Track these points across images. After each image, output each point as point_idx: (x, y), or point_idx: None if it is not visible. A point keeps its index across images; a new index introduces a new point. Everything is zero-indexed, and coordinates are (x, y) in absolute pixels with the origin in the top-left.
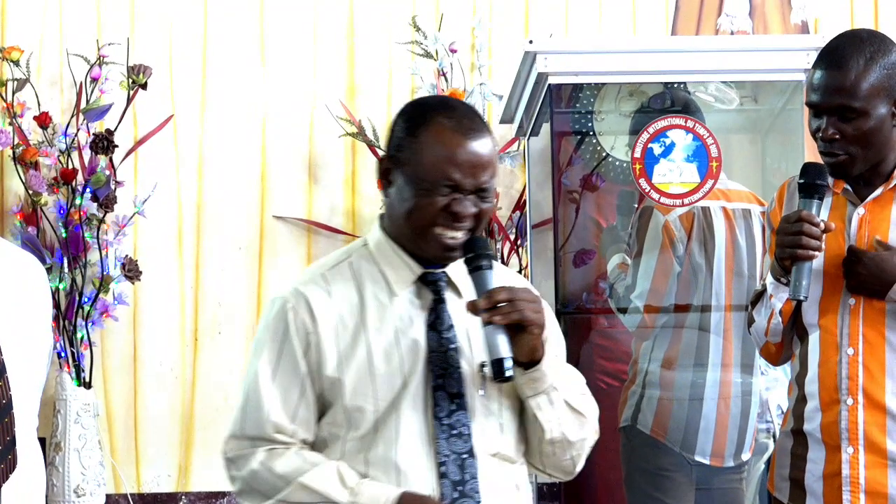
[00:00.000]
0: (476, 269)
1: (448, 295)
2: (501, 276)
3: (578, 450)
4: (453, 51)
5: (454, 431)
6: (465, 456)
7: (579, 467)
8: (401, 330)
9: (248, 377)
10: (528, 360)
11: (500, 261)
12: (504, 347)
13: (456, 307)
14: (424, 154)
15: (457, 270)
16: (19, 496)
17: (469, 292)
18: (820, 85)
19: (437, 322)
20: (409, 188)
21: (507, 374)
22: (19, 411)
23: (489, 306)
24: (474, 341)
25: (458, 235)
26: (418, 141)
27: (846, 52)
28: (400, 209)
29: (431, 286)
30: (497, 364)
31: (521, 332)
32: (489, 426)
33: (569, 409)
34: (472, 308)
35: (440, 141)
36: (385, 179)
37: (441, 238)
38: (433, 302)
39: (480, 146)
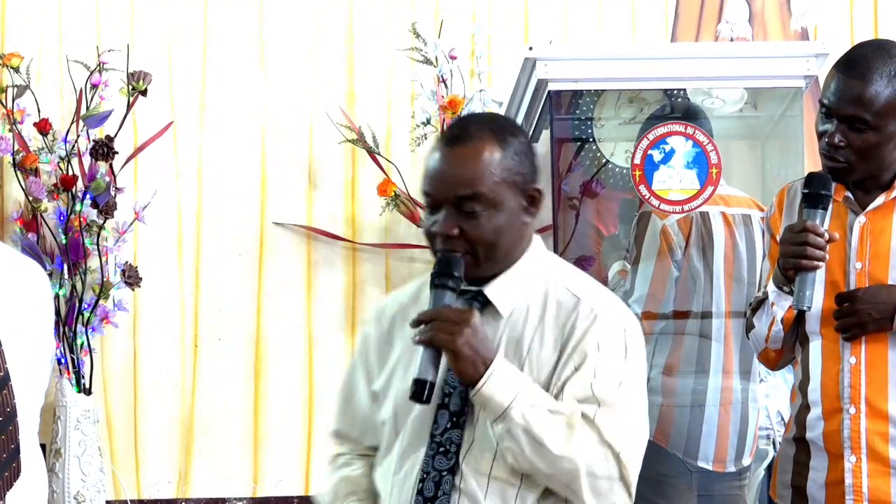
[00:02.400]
0: (437, 286)
1: (484, 313)
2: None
3: (571, 485)
4: (453, 57)
5: (441, 449)
6: (444, 473)
7: (602, 499)
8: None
9: None
10: (465, 383)
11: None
12: (422, 368)
13: (495, 326)
14: None
15: (498, 289)
16: (23, 503)
17: (508, 311)
18: (838, 89)
19: None
20: None
21: (411, 395)
22: (21, 418)
23: (415, 325)
24: (510, 358)
25: (445, 254)
26: None
27: (872, 64)
28: None
29: (473, 303)
30: (412, 384)
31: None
32: (487, 446)
33: (530, 441)
34: (413, 325)
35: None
36: None
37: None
38: None
39: (458, 154)
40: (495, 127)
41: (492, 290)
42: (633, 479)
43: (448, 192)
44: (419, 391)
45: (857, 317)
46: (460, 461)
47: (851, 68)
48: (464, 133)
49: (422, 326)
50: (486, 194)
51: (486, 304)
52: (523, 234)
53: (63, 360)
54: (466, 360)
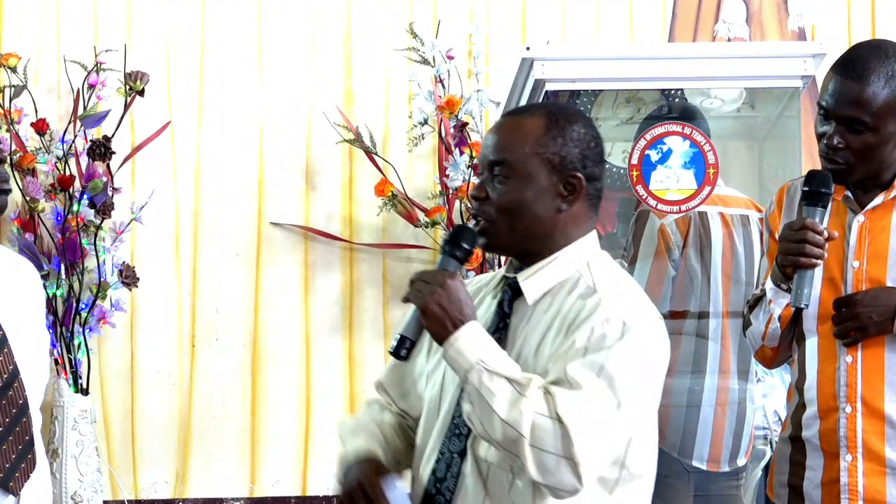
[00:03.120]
0: (445, 252)
1: (518, 300)
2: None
3: (517, 454)
4: (450, 57)
5: (457, 431)
6: (455, 455)
7: (548, 478)
8: None
9: None
10: (436, 341)
11: (495, 266)
12: (406, 325)
13: (520, 314)
14: None
15: (530, 277)
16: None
17: (534, 299)
18: (836, 91)
19: (495, 324)
20: None
21: (391, 349)
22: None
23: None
24: (523, 344)
25: (477, 222)
26: None
27: (869, 65)
28: None
29: (506, 290)
30: (394, 339)
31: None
32: None
33: (481, 404)
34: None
35: None
36: None
37: None
38: (497, 304)
39: (505, 124)
40: (553, 108)
41: (523, 276)
42: (586, 462)
43: (484, 156)
44: (397, 346)
45: (857, 320)
46: (468, 445)
47: (849, 70)
48: (522, 109)
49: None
50: (513, 163)
51: (515, 288)
52: (556, 220)
53: (60, 361)
54: (434, 317)
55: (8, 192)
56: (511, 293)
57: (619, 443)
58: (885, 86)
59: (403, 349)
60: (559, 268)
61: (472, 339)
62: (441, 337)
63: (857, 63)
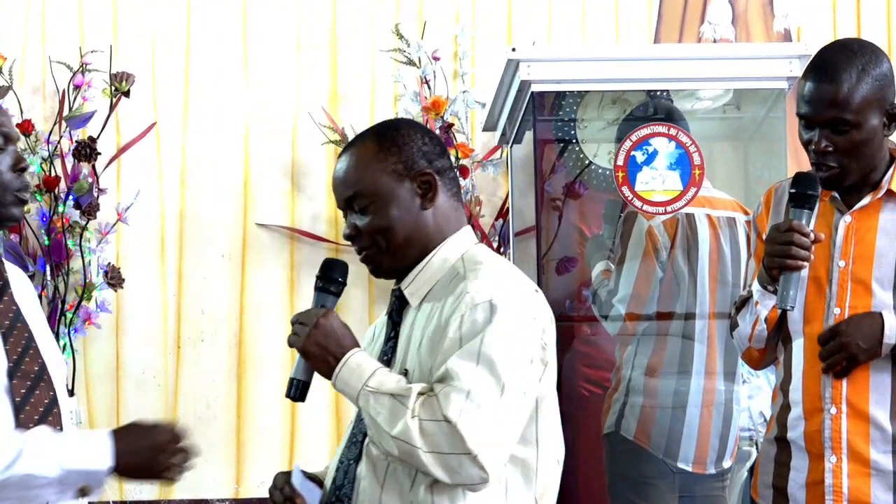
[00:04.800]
0: (318, 289)
1: (406, 308)
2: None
3: (417, 465)
4: (436, 58)
5: (353, 440)
6: (351, 462)
7: (446, 477)
8: (374, 341)
9: None
10: (325, 378)
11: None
12: (295, 367)
13: (408, 319)
14: None
15: (410, 281)
16: None
17: (416, 302)
18: (812, 97)
19: (387, 334)
20: None
21: (286, 392)
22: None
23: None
24: (410, 348)
25: (360, 255)
26: None
27: (838, 64)
28: None
29: (394, 300)
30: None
31: None
32: None
33: (374, 426)
34: None
35: None
36: None
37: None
38: (388, 315)
39: (340, 164)
40: (376, 127)
41: (405, 284)
42: (484, 453)
43: (339, 198)
44: (288, 388)
45: (846, 351)
46: (363, 451)
47: (820, 73)
48: (349, 143)
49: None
50: (364, 191)
51: (400, 298)
52: (426, 220)
53: None
54: (315, 357)
55: (25, 202)
56: (398, 302)
57: (516, 422)
58: (858, 81)
59: (295, 391)
60: (435, 266)
61: (354, 366)
62: (327, 373)
63: (826, 65)
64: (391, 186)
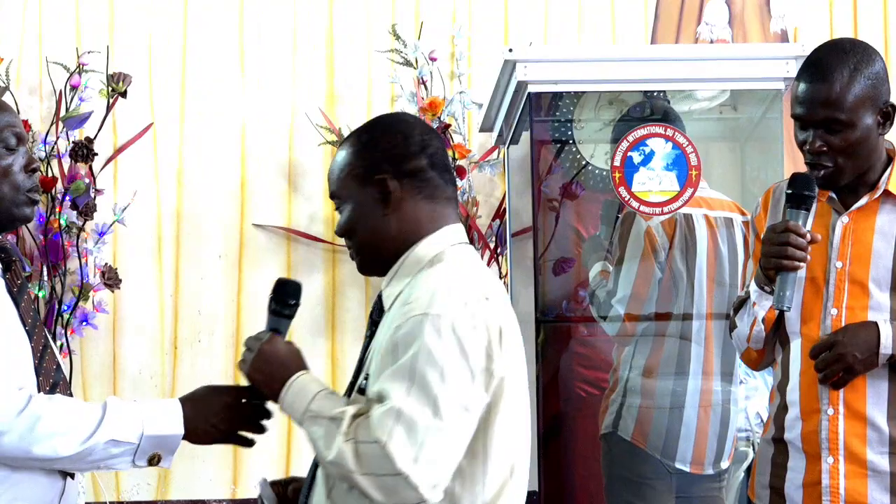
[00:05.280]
0: (271, 311)
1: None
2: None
3: (355, 486)
4: (433, 59)
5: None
6: (316, 464)
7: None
8: None
9: None
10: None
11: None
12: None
13: (384, 321)
14: None
15: (386, 283)
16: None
17: (388, 305)
18: (805, 98)
19: (366, 336)
20: None
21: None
22: None
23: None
24: (374, 354)
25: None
26: None
27: (830, 64)
28: None
29: (376, 301)
30: None
31: None
32: None
33: (315, 448)
34: None
35: None
36: None
37: None
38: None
39: (333, 160)
40: (358, 129)
41: (384, 286)
42: (417, 473)
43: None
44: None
45: (842, 362)
46: (316, 470)
47: (812, 73)
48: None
49: None
50: (337, 193)
51: (377, 305)
52: (388, 227)
53: None
54: (262, 384)
55: (36, 202)
56: (379, 302)
57: (455, 439)
58: (850, 80)
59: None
60: (408, 268)
61: (298, 390)
62: (274, 398)
63: (818, 65)
64: (354, 190)
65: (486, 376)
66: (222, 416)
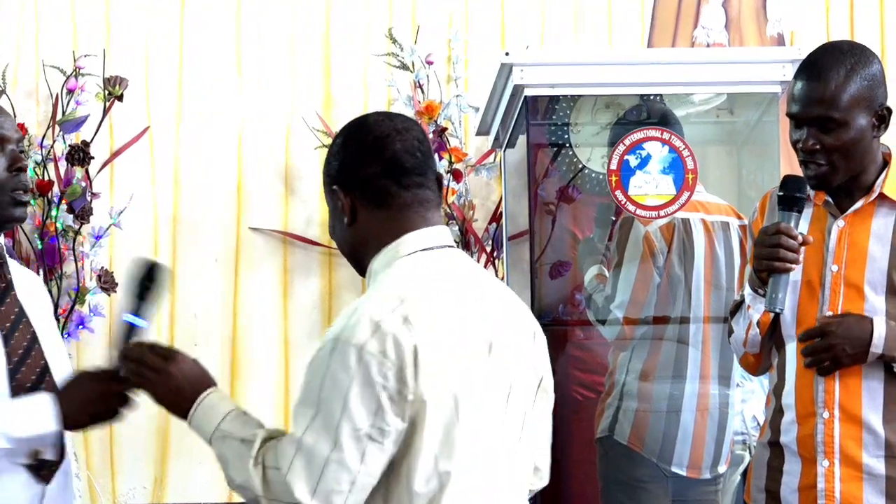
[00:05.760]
0: (139, 295)
1: None
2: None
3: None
4: (430, 63)
5: None
6: None
7: None
8: None
9: None
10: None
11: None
12: None
13: None
14: None
15: None
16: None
17: None
18: (800, 96)
19: None
20: None
21: None
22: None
23: (123, 359)
24: None
25: None
26: None
27: (827, 64)
28: None
29: None
30: None
31: None
32: None
33: (223, 470)
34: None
35: None
36: None
37: None
38: None
39: None
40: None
41: None
42: None
43: None
44: None
45: (831, 352)
46: None
47: (809, 72)
48: None
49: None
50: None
51: None
52: (352, 237)
53: None
54: (171, 405)
55: (24, 203)
56: None
57: (358, 469)
58: (846, 80)
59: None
60: (368, 281)
61: (208, 409)
62: (183, 416)
63: (815, 65)
64: (328, 199)
65: (399, 401)
66: (98, 405)
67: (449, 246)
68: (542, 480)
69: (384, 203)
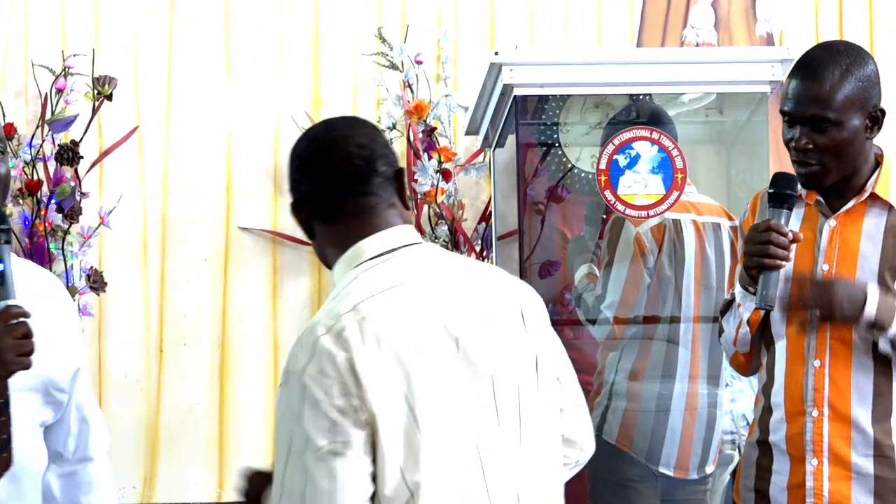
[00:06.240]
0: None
1: None
2: None
3: None
4: (419, 62)
5: None
6: None
7: None
8: None
9: None
10: None
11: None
12: None
13: None
14: None
15: None
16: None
17: None
18: (794, 94)
19: None
20: None
21: None
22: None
23: None
24: None
25: None
26: None
27: (822, 63)
28: None
29: None
30: None
31: None
32: None
33: None
34: None
35: None
36: None
37: None
38: None
39: None
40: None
41: None
42: None
43: None
44: None
45: (829, 308)
46: None
47: (804, 71)
48: None
49: None
50: None
51: None
52: (319, 250)
53: None
54: None
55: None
56: None
57: (333, 490)
58: (841, 80)
59: None
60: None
61: None
62: None
63: (810, 64)
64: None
65: (350, 413)
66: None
67: (411, 244)
68: (584, 451)
69: (330, 216)
